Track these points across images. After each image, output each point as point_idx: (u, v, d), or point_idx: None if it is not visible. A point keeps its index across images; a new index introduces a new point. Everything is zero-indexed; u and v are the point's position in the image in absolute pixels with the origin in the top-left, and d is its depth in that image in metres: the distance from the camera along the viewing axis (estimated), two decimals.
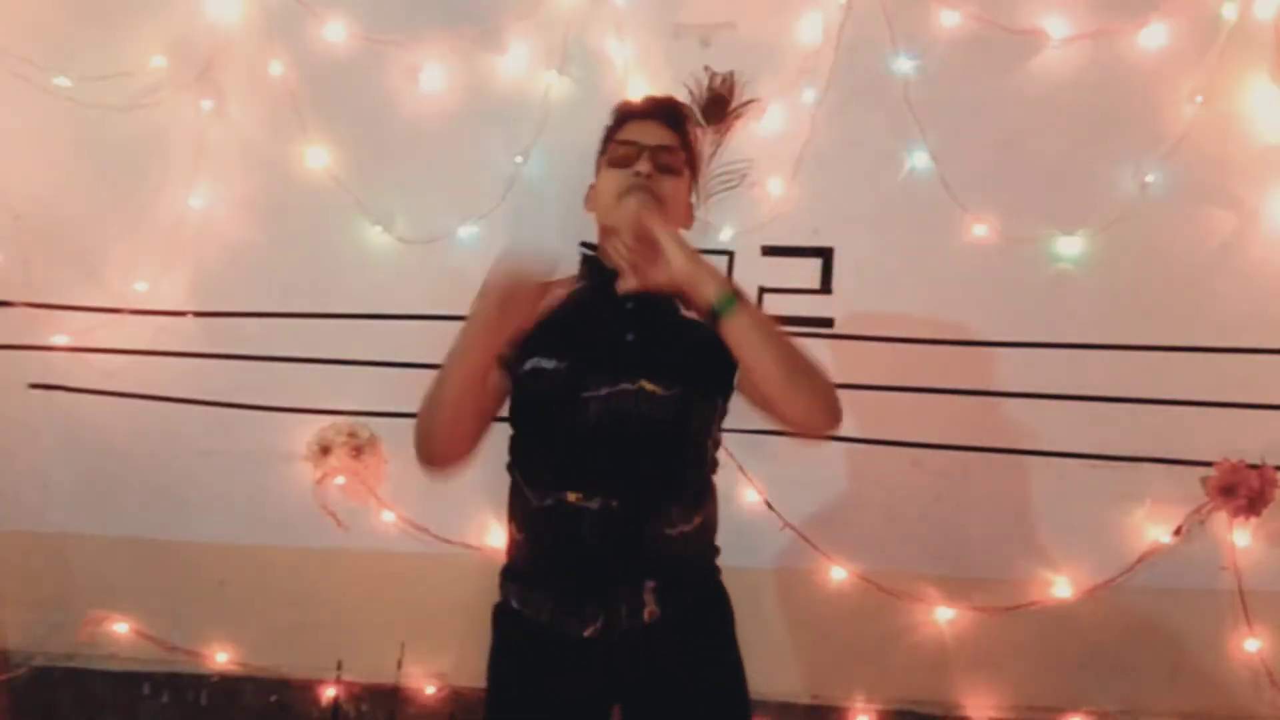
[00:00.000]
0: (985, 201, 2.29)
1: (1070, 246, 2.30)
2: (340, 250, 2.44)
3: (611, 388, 1.45)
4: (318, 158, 2.42)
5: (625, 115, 1.58)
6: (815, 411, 1.41)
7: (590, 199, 1.59)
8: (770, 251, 2.36)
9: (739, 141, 2.34)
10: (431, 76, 2.42)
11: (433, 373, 1.41)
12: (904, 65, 2.29)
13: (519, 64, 2.39)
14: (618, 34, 2.32)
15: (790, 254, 2.35)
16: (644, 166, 1.48)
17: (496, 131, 2.39)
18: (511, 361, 1.48)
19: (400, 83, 2.42)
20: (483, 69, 2.40)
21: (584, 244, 1.63)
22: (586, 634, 1.45)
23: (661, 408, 1.45)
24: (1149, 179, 2.25)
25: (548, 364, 1.46)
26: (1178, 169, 2.24)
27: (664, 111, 1.57)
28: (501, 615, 1.55)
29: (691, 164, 1.57)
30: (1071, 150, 2.30)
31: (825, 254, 2.33)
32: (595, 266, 1.55)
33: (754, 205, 2.35)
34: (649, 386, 1.45)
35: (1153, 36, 2.24)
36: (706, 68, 2.31)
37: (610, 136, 1.57)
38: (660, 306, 1.51)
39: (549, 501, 1.45)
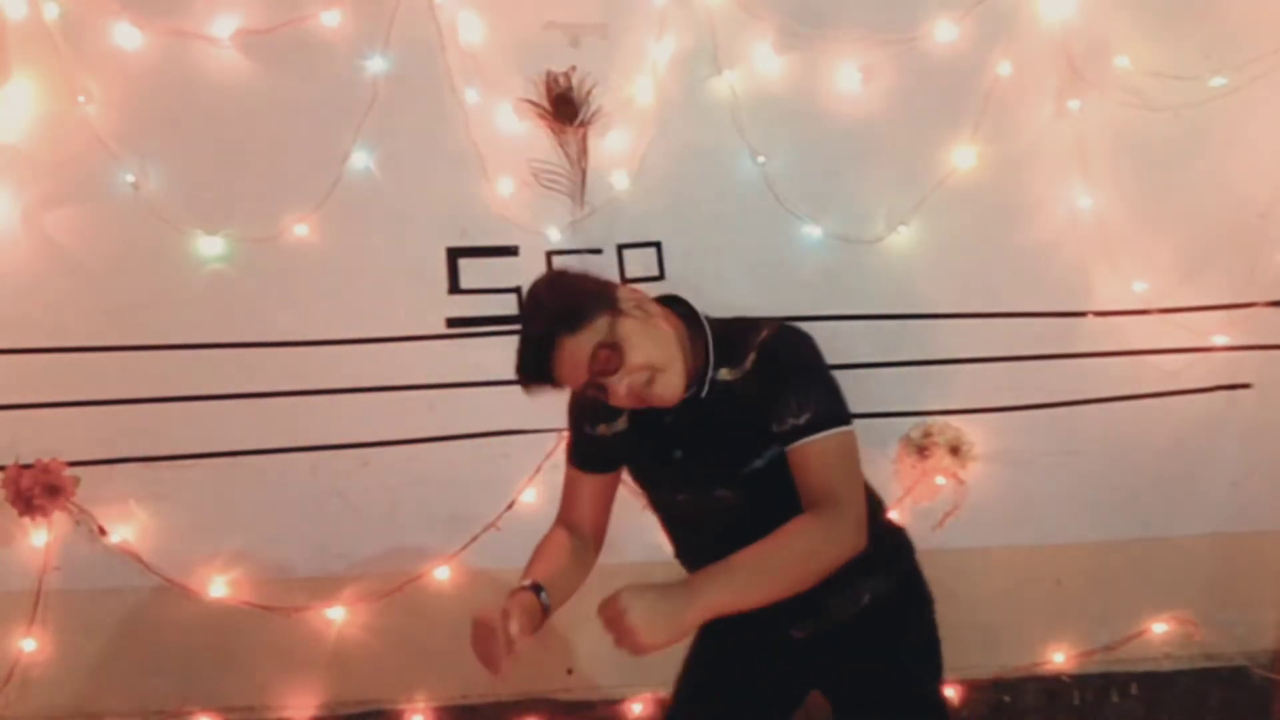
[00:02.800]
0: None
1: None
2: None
3: (689, 495, 1.59)
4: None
5: (531, 382, 1.46)
6: (840, 557, 1.43)
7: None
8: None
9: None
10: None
11: None
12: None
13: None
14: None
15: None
16: (618, 382, 1.42)
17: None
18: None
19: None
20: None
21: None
22: (797, 635, 1.64)
23: (728, 504, 1.53)
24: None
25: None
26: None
27: (556, 363, 1.42)
28: None
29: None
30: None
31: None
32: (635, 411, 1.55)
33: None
34: (707, 498, 1.55)
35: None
36: (573, 67, 2.36)
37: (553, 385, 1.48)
38: (698, 406, 1.52)
39: None
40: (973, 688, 2.61)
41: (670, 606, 1.29)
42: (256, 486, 2.41)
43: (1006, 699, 2.64)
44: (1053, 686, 2.66)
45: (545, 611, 1.47)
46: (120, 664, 2.44)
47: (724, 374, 1.52)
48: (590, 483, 1.67)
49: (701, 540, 1.57)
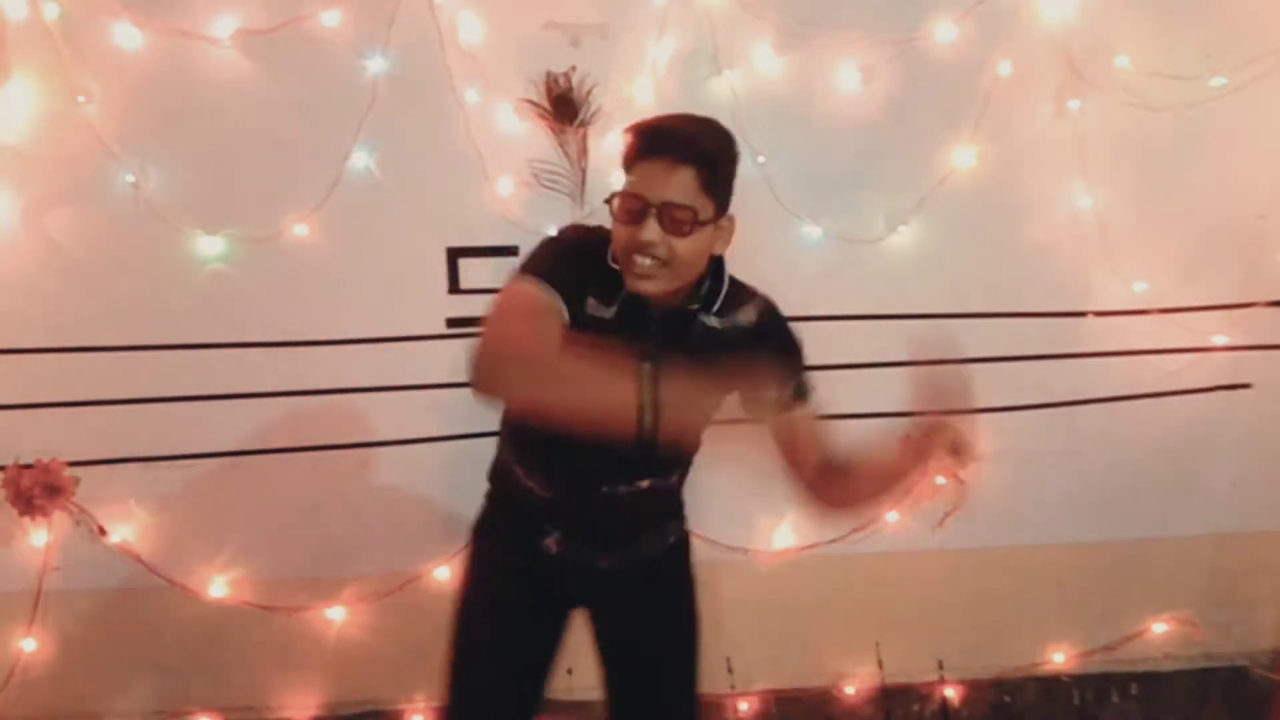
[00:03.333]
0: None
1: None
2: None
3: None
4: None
5: (638, 149, 1.45)
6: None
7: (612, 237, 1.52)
8: None
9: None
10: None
11: None
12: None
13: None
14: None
15: None
16: (650, 233, 1.41)
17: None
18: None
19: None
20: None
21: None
22: (602, 564, 1.71)
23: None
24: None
25: None
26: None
27: (678, 148, 1.42)
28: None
29: (718, 200, 1.47)
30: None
31: None
32: (629, 304, 1.51)
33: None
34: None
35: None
36: (573, 67, 2.36)
37: (626, 168, 1.48)
38: (682, 333, 1.55)
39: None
40: (973, 688, 2.61)
41: None
42: (256, 486, 2.41)
43: (1006, 699, 2.64)
44: (1053, 686, 2.66)
45: None
46: (120, 664, 2.45)
47: (714, 320, 1.59)
48: (563, 324, 1.46)
49: (581, 459, 1.57)
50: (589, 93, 2.34)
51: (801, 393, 1.66)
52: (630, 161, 1.47)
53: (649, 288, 1.47)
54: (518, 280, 1.48)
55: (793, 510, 2.54)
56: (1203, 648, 2.66)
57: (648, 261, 1.45)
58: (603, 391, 1.30)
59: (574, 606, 1.81)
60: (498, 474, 1.80)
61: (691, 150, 1.43)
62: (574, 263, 1.53)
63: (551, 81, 2.34)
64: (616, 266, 1.51)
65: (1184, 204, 2.52)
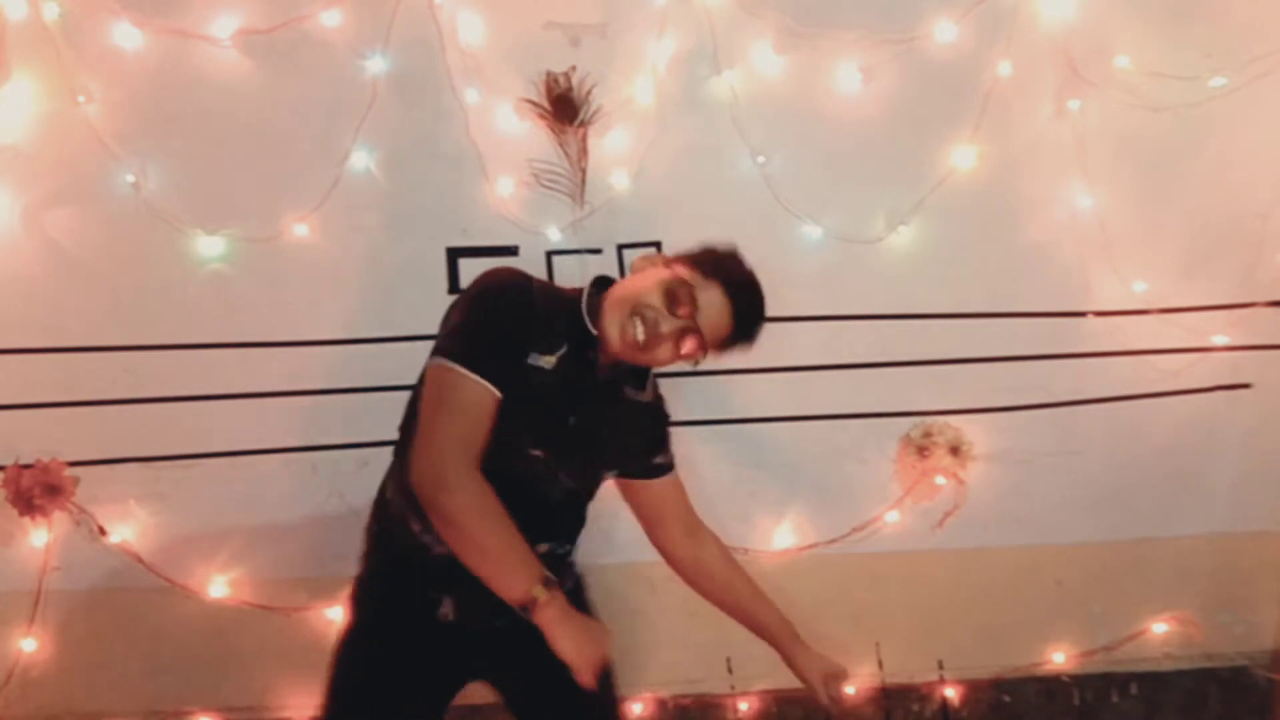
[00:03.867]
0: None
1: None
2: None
3: (546, 458, 1.59)
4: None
5: (727, 286, 1.56)
6: None
7: (637, 274, 1.60)
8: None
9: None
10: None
11: None
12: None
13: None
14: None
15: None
16: (666, 326, 1.52)
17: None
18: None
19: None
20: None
21: (594, 283, 1.65)
22: (499, 624, 1.56)
23: (564, 489, 1.65)
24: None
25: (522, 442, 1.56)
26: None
27: (747, 313, 1.61)
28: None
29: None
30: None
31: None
32: (585, 339, 1.57)
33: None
34: (558, 469, 1.61)
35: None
36: (573, 67, 2.36)
37: (704, 269, 1.56)
38: (614, 399, 1.66)
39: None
40: (973, 688, 2.61)
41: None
42: (256, 486, 2.41)
43: (1006, 699, 2.64)
44: (1053, 686, 2.66)
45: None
46: (120, 664, 2.44)
47: (630, 392, 1.69)
48: (496, 407, 1.49)
49: (515, 505, 1.50)
50: (589, 93, 2.34)
51: (667, 460, 1.79)
52: (712, 275, 1.57)
53: (615, 343, 1.54)
54: (451, 368, 1.47)
55: (793, 510, 2.54)
56: (1203, 648, 2.66)
57: (641, 334, 1.52)
58: (499, 576, 1.46)
59: (470, 678, 1.77)
60: (382, 529, 1.71)
61: (750, 325, 1.63)
62: (508, 324, 1.53)
63: (551, 81, 2.34)
64: (560, 313, 1.59)
65: (1184, 204, 2.52)
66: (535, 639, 1.46)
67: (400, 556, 1.66)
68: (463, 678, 1.76)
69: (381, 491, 1.74)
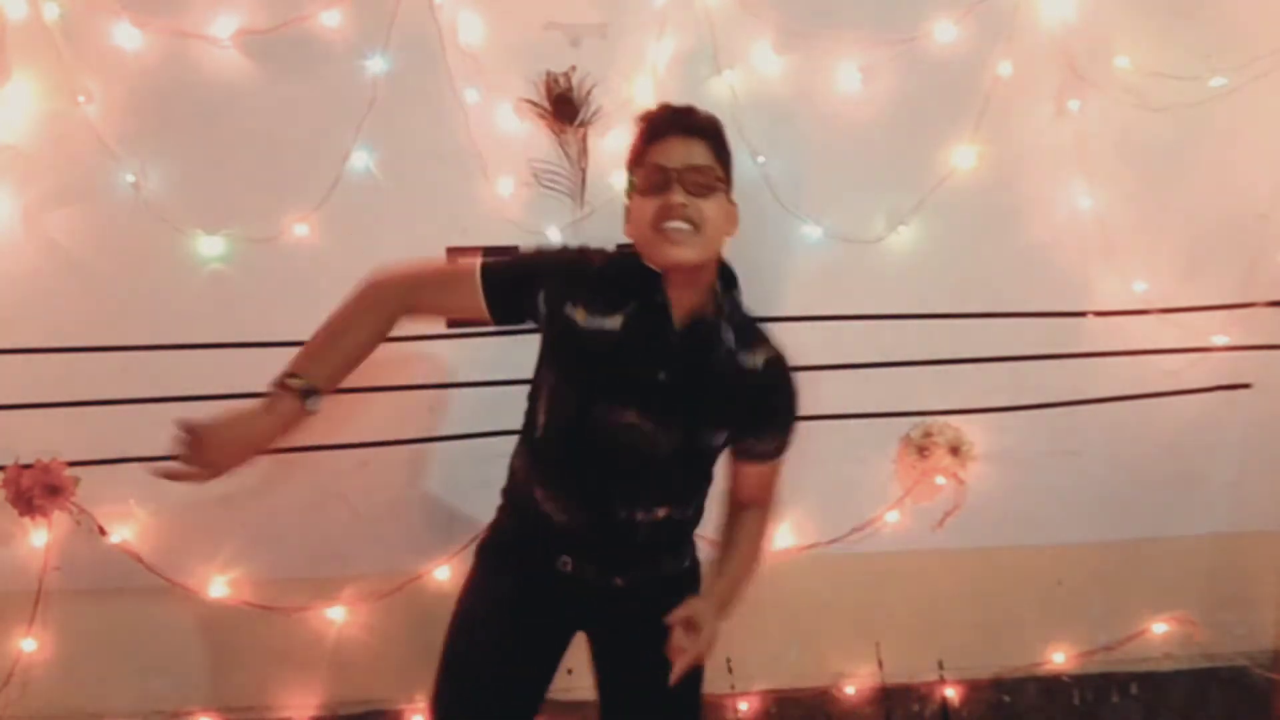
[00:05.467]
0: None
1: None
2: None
3: (642, 420, 1.55)
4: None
5: (649, 133, 1.53)
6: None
7: (629, 220, 1.56)
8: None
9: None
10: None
11: None
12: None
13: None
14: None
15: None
16: (679, 197, 1.46)
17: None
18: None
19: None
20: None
21: (622, 246, 1.63)
22: (619, 583, 1.67)
23: (664, 450, 1.58)
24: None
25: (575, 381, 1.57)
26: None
27: (688, 125, 1.52)
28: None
29: (726, 172, 1.54)
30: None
31: None
32: (650, 285, 1.54)
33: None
34: (654, 428, 1.56)
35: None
36: (573, 67, 2.36)
37: (639, 153, 1.53)
38: (706, 349, 1.57)
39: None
40: (973, 688, 2.61)
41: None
42: (256, 486, 2.40)
43: (1006, 699, 2.64)
44: (1053, 686, 2.66)
45: (307, 415, 1.61)
46: (120, 664, 2.44)
47: (734, 345, 1.59)
48: (464, 303, 1.61)
49: (604, 469, 1.58)
50: (589, 93, 2.34)
51: (781, 451, 1.71)
52: (642, 148, 1.53)
53: (684, 254, 1.48)
54: (472, 259, 1.59)
55: (793, 510, 2.54)
56: (1203, 648, 2.66)
57: (681, 225, 1.47)
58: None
59: (578, 627, 1.77)
60: (513, 494, 1.75)
61: (701, 125, 1.53)
62: (547, 268, 1.60)
63: (551, 81, 2.34)
64: (620, 272, 1.56)
65: (1184, 204, 2.52)
66: (645, 609, 1.56)
67: (529, 520, 1.68)
68: (573, 626, 1.76)
69: (512, 463, 1.76)
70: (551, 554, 1.66)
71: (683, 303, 1.54)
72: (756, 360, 1.61)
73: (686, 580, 1.77)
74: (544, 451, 1.64)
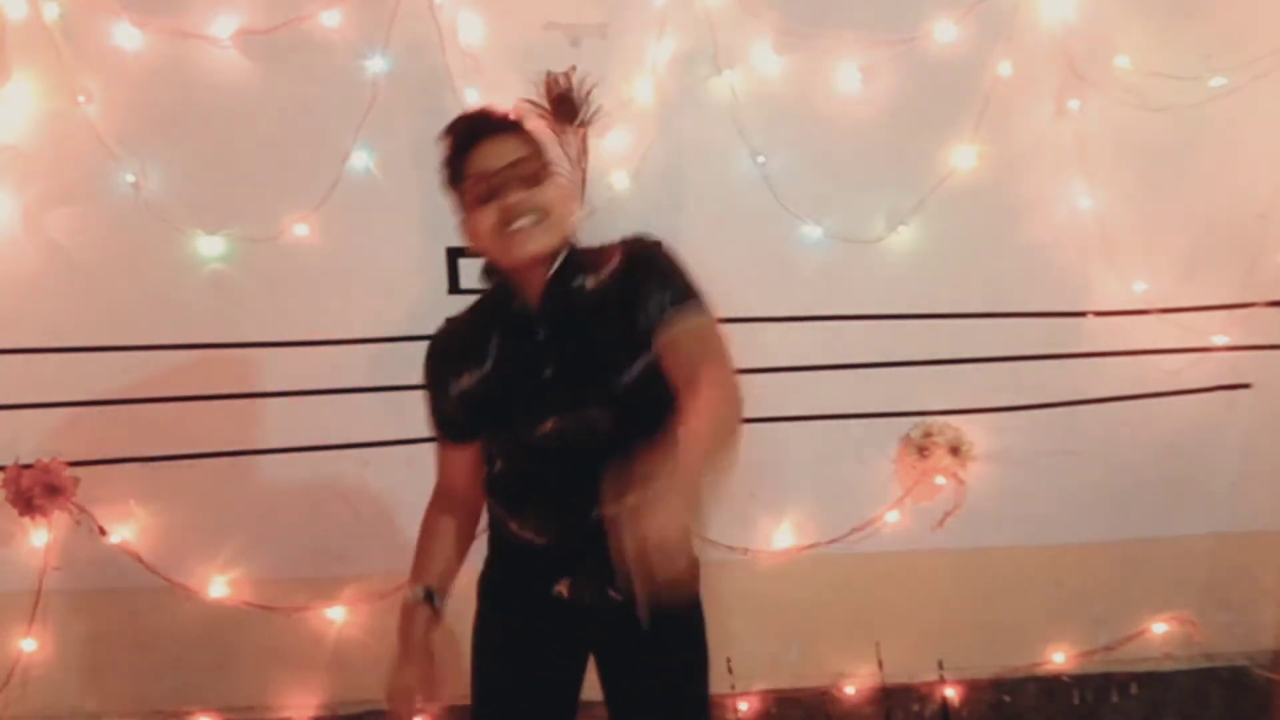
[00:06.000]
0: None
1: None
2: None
3: (559, 419, 1.50)
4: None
5: (457, 146, 1.49)
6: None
7: (470, 235, 1.51)
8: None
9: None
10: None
11: None
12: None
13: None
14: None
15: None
16: (512, 197, 1.43)
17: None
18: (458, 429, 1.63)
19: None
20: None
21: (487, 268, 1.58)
22: (614, 596, 1.53)
23: (601, 426, 1.49)
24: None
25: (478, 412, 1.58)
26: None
27: (491, 127, 1.49)
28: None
29: (544, 156, 1.50)
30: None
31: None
32: (505, 298, 1.53)
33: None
34: (578, 417, 1.50)
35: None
36: (573, 67, 2.35)
37: (456, 169, 1.49)
38: (566, 309, 1.51)
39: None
40: (973, 688, 2.61)
41: (678, 505, 1.17)
42: (256, 486, 2.41)
43: (1006, 699, 2.64)
44: (1053, 686, 2.66)
45: (439, 615, 1.63)
46: (120, 664, 2.44)
47: (588, 281, 1.51)
48: (462, 454, 1.67)
49: (563, 477, 1.53)
50: (589, 93, 2.34)
51: (677, 302, 1.46)
52: (457, 163, 1.49)
53: (538, 244, 1.45)
54: None
55: (793, 510, 2.54)
56: (1203, 648, 2.66)
57: (525, 220, 1.44)
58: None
59: (588, 650, 1.71)
60: (493, 533, 1.73)
61: (501, 122, 1.50)
62: (430, 387, 1.64)
63: (551, 81, 2.34)
64: (476, 305, 1.59)
65: (1184, 204, 2.52)
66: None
67: (513, 553, 1.65)
68: (583, 650, 1.70)
69: (487, 506, 1.74)
70: (545, 582, 1.61)
71: (536, 284, 1.50)
72: (603, 273, 1.52)
73: (688, 585, 1.72)
74: (504, 487, 1.64)
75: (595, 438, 1.49)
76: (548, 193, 1.47)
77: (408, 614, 1.63)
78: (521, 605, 1.66)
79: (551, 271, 1.51)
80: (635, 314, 1.47)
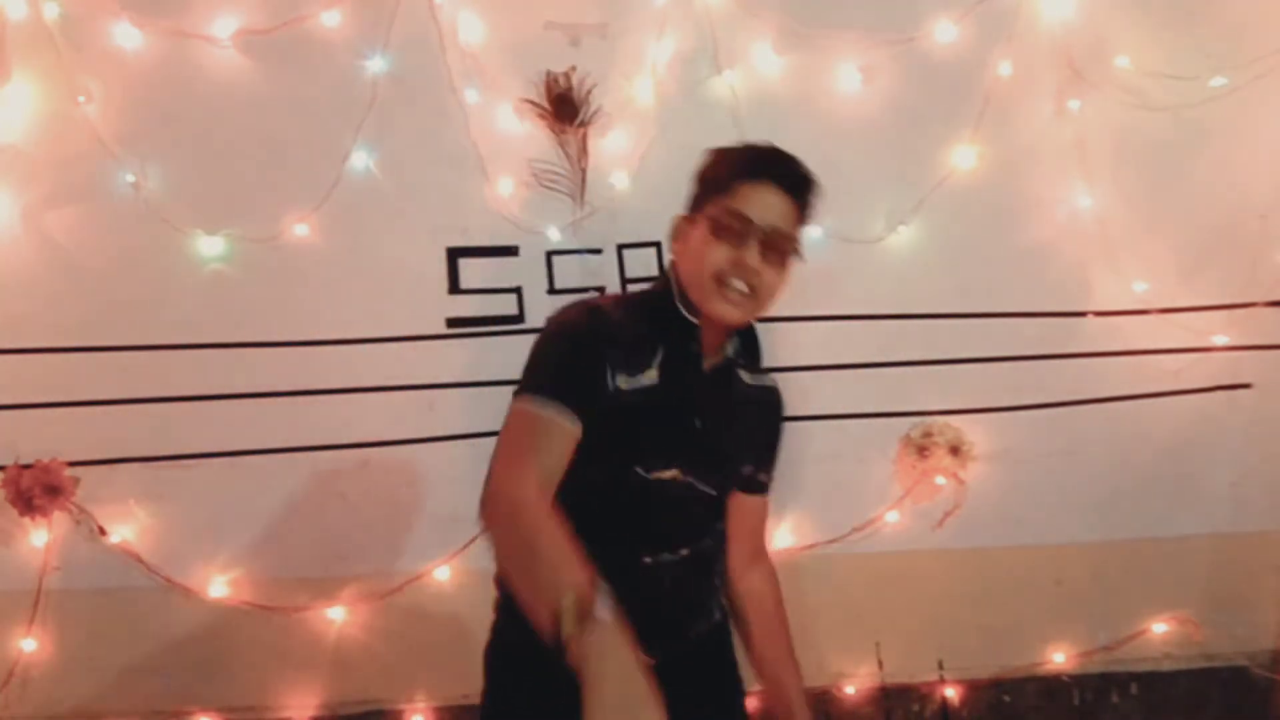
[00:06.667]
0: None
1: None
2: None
3: (683, 471, 1.47)
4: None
5: (746, 169, 1.44)
6: None
7: (680, 245, 1.49)
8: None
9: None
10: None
11: None
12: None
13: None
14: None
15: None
16: (752, 259, 1.40)
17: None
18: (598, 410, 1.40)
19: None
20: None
21: (666, 273, 1.54)
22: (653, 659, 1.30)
23: (706, 497, 1.52)
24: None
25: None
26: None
27: (788, 179, 1.45)
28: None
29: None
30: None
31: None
32: (684, 333, 1.47)
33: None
34: (695, 481, 1.49)
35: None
36: (573, 67, 2.36)
37: (721, 187, 1.44)
38: (728, 384, 1.54)
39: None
40: (973, 688, 2.61)
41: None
42: (256, 486, 2.41)
43: (1006, 699, 2.64)
44: (1053, 686, 2.65)
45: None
46: (120, 664, 2.44)
47: (745, 376, 1.58)
48: (573, 436, 1.37)
49: (635, 530, 1.47)
50: (589, 93, 2.35)
51: (769, 479, 1.66)
52: (728, 181, 1.43)
53: (736, 316, 1.43)
54: (522, 400, 1.37)
55: (793, 510, 2.54)
56: (1203, 648, 2.66)
57: (743, 286, 1.40)
58: (535, 587, 1.18)
59: None
60: (501, 590, 1.55)
61: (799, 183, 1.46)
62: (583, 355, 1.41)
63: (551, 81, 2.35)
64: (646, 321, 1.47)
65: (1184, 204, 2.52)
66: (686, 679, 1.35)
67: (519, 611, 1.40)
68: None
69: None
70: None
71: (711, 346, 1.51)
72: (764, 380, 1.62)
73: (716, 645, 1.65)
74: (577, 509, 1.35)
75: (694, 500, 1.51)
76: (776, 278, 1.45)
77: (616, 630, 1.11)
78: (543, 681, 1.27)
79: (728, 346, 1.54)
80: (764, 444, 1.62)
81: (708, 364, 1.50)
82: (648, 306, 1.51)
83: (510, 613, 1.49)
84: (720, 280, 1.40)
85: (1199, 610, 2.65)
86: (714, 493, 1.54)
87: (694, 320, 1.46)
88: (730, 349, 1.55)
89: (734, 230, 1.40)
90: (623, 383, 1.42)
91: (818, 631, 2.60)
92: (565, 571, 1.15)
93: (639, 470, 1.45)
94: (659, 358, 1.45)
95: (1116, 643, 2.64)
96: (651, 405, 1.43)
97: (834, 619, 2.59)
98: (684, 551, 1.52)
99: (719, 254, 1.40)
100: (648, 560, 1.48)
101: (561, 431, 1.36)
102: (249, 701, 2.48)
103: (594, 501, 1.41)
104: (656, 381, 1.44)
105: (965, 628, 2.63)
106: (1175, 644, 2.67)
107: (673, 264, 1.52)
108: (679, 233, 1.51)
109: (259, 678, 2.47)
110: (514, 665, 1.50)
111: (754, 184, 1.42)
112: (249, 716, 2.48)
